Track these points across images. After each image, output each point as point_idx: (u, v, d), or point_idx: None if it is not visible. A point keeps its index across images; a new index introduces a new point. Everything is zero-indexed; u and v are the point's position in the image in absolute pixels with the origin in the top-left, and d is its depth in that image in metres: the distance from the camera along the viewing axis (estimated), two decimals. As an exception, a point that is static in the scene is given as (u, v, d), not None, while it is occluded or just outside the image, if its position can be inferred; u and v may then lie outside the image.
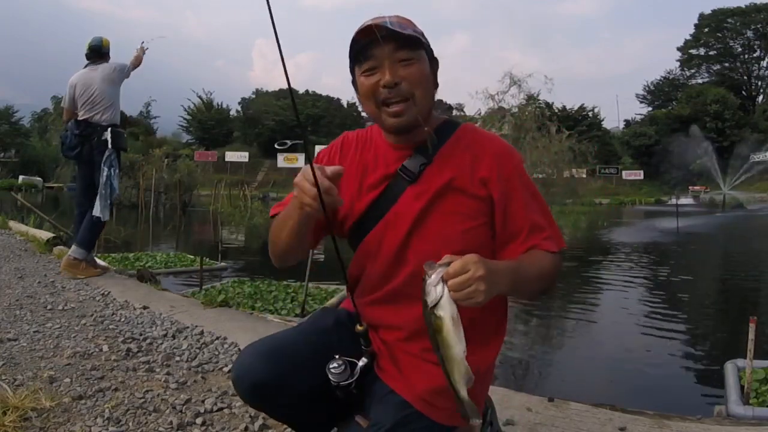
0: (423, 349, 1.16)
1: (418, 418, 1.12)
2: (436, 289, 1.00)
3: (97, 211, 4.35)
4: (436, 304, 0.99)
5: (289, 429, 1.75)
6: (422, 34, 1.19)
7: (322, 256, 6.20)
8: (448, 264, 1.01)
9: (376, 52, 1.14)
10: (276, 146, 47.26)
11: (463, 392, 1.02)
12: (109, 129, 4.39)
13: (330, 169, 1.06)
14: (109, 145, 4.37)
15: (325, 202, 1.03)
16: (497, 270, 1.04)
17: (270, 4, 1.00)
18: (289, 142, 45.94)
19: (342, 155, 1.31)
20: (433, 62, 1.22)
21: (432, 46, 1.22)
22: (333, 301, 4.14)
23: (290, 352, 1.19)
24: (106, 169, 4.35)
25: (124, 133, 4.58)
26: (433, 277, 1.00)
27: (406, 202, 1.20)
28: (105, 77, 4.44)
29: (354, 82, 1.22)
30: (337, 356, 1.15)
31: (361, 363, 1.17)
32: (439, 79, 1.24)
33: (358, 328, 1.16)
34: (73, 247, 4.47)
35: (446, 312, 0.99)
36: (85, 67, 4.59)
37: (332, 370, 1.14)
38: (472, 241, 1.17)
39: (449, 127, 1.26)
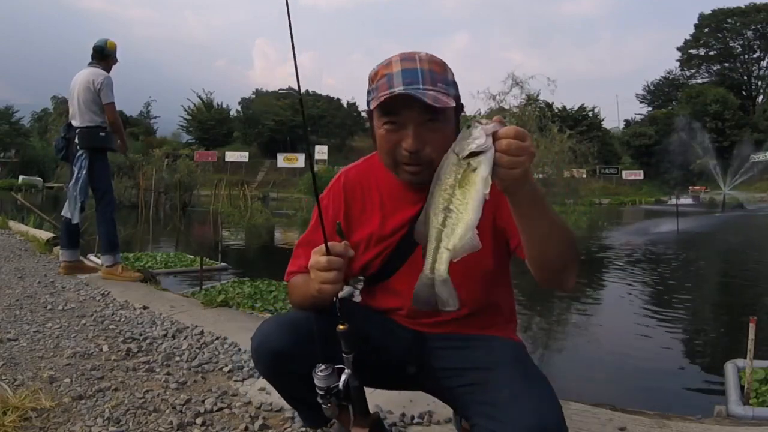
0: None
1: None
2: (482, 139, 0.85)
3: (66, 212, 4.35)
4: (477, 153, 0.85)
5: (290, 429, 1.77)
6: (454, 84, 1.13)
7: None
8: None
9: (402, 111, 1.08)
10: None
11: (444, 265, 0.90)
12: (78, 130, 4.31)
13: (338, 250, 1.07)
14: (78, 147, 4.31)
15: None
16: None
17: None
18: None
19: (348, 201, 1.27)
20: (459, 109, 1.15)
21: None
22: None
23: (308, 326, 1.18)
24: (76, 170, 4.32)
25: (101, 131, 4.32)
26: (488, 126, 0.87)
27: None
28: (85, 82, 4.32)
29: (370, 116, 1.17)
30: (321, 364, 1.12)
31: (344, 375, 1.11)
32: None
33: (340, 327, 1.09)
34: (101, 257, 4.50)
35: (484, 167, 0.85)
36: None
37: (318, 374, 1.11)
38: (494, 276, 1.22)
39: None
